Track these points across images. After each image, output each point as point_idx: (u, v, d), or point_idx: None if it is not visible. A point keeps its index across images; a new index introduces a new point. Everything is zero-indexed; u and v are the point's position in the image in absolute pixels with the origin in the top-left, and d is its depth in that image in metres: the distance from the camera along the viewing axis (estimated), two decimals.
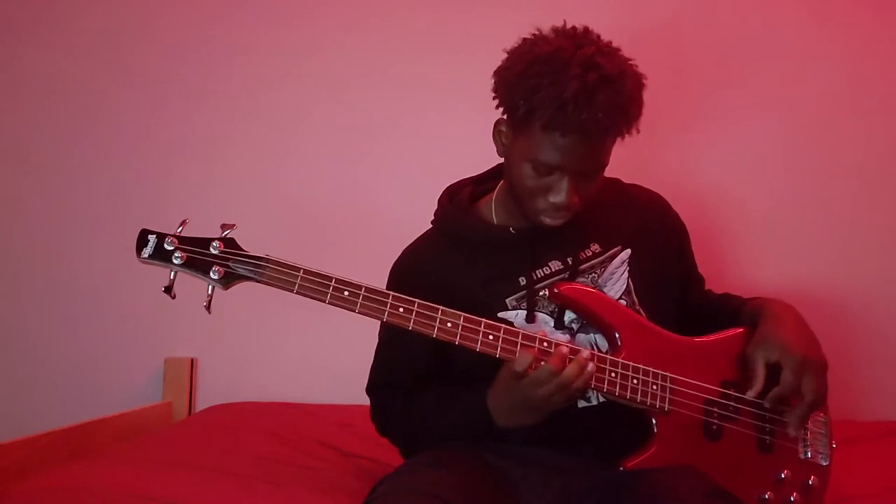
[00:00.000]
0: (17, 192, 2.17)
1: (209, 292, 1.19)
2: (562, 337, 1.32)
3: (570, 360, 1.20)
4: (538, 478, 1.29)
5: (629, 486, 1.22)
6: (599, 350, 1.32)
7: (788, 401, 1.34)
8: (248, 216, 1.31)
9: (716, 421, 1.32)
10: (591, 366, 1.21)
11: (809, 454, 1.39)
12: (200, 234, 1.20)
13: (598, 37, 1.28)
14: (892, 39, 2.09)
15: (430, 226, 1.47)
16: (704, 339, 1.38)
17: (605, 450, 1.30)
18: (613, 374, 1.25)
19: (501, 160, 1.37)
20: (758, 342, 1.35)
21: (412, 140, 2.13)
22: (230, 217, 1.24)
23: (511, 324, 1.28)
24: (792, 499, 1.35)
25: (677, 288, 1.48)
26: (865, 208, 2.09)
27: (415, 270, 1.40)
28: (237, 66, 2.16)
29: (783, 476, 1.35)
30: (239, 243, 1.21)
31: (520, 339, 1.22)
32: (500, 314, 1.33)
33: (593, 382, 1.23)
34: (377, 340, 1.45)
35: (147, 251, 1.18)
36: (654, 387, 1.28)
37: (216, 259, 1.19)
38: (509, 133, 1.32)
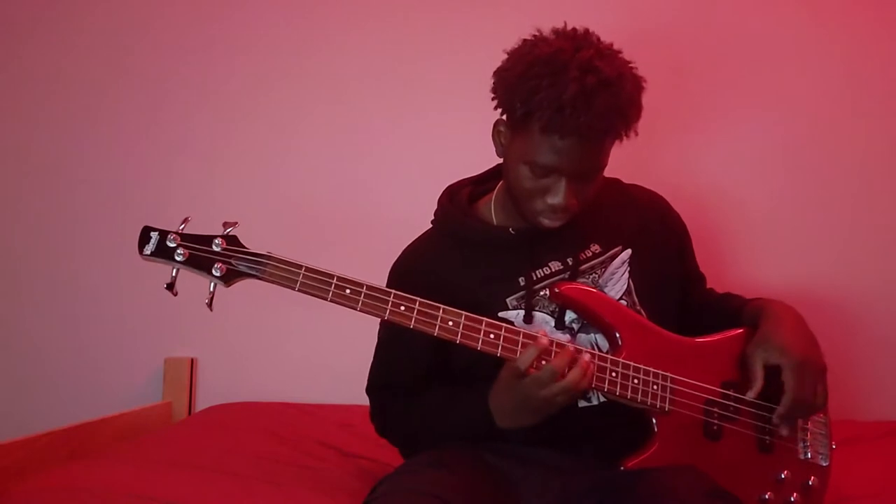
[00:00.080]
0: (17, 192, 2.17)
1: (211, 290, 1.19)
2: (562, 337, 1.32)
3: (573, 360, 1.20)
4: (538, 478, 1.29)
5: (629, 486, 1.22)
6: (600, 350, 1.32)
7: (795, 421, 1.35)
8: (247, 216, 1.30)
9: (716, 421, 1.32)
10: (592, 366, 1.21)
11: (809, 454, 1.39)
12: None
13: (599, 39, 1.28)
14: (892, 39, 2.09)
15: (430, 226, 1.47)
16: (705, 339, 1.38)
17: (606, 450, 1.30)
18: (614, 374, 1.25)
19: (501, 160, 1.37)
20: (757, 343, 1.35)
21: (412, 140, 2.13)
22: (230, 217, 1.24)
23: (512, 323, 1.28)
24: (792, 499, 1.35)
25: (678, 288, 1.48)
26: (865, 208, 2.09)
27: (415, 270, 1.40)
28: (237, 66, 2.16)
29: (783, 476, 1.35)
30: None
31: (521, 338, 1.22)
32: (500, 314, 1.32)
33: (594, 382, 1.23)
34: (376, 341, 1.45)
35: (149, 248, 1.18)
36: (655, 387, 1.28)
37: (218, 256, 1.18)
38: (508, 134, 1.32)
